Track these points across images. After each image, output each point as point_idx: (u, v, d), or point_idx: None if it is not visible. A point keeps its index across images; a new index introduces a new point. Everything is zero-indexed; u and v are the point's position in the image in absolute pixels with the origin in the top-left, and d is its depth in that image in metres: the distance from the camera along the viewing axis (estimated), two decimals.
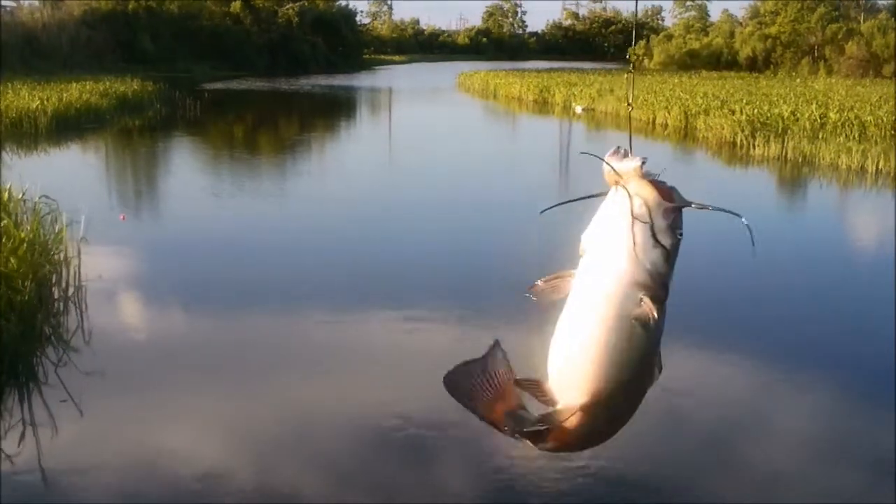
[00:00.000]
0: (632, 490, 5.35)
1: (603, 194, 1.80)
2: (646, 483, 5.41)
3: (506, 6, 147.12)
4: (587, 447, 2.05)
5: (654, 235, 1.77)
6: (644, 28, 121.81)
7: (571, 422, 1.93)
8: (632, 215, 1.78)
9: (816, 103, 28.77)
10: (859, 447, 6.06)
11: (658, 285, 1.79)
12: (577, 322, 1.86)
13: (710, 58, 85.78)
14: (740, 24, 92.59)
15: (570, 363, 1.87)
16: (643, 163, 1.80)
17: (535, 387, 1.92)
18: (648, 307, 1.78)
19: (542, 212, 1.91)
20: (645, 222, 1.77)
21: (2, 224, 8.19)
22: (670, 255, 1.78)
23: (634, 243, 1.77)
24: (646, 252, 1.77)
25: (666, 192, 1.80)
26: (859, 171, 19.46)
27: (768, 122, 24.59)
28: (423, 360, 7.61)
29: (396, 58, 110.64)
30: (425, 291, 9.40)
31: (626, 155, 1.81)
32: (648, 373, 1.91)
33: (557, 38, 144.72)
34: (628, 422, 1.97)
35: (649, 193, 1.79)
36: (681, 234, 1.78)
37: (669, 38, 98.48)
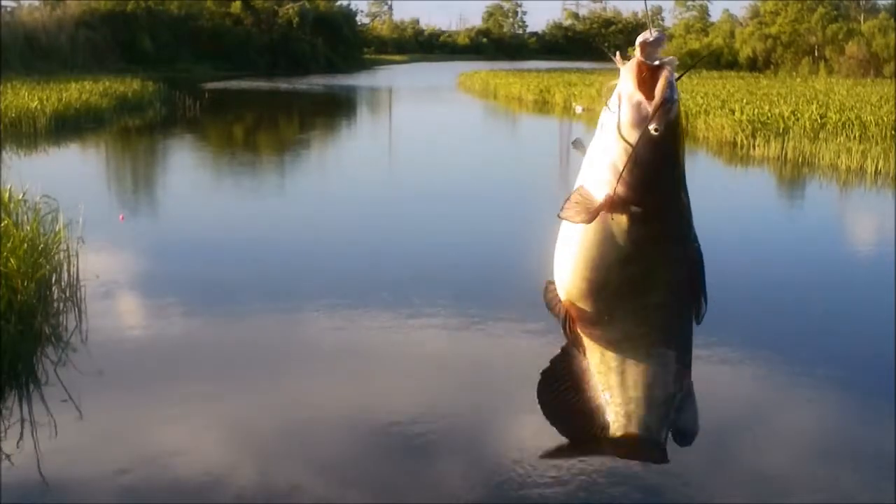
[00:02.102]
0: (631, 490, 5.34)
1: None
2: (645, 482, 5.40)
3: (506, 6, 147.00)
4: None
5: (618, 128, 1.58)
6: (644, 28, 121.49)
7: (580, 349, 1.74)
8: (607, 105, 1.60)
9: (817, 103, 28.72)
10: (859, 447, 6.06)
11: (622, 184, 1.58)
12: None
13: (711, 58, 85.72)
14: (740, 24, 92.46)
15: (559, 258, 1.71)
16: (648, 42, 1.57)
17: (552, 294, 1.76)
18: (599, 204, 1.58)
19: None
20: (613, 113, 1.59)
21: (1, 224, 8.18)
22: (636, 154, 1.55)
23: (604, 135, 1.60)
24: (612, 146, 1.58)
25: (652, 80, 1.56)
26: (859, 171, 19.44)
27: (769, 121, 24.54)
28: (425, 359, 7.61)
29: (396, 58, 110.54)
30: (426, 291, 9.39)
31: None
32: (642, 290, 1.68)
33: (558, 38, 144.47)
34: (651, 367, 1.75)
35: (624, 80, 1.57)
36: (656, 130, 1.55)
37: (670, 38, 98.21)
